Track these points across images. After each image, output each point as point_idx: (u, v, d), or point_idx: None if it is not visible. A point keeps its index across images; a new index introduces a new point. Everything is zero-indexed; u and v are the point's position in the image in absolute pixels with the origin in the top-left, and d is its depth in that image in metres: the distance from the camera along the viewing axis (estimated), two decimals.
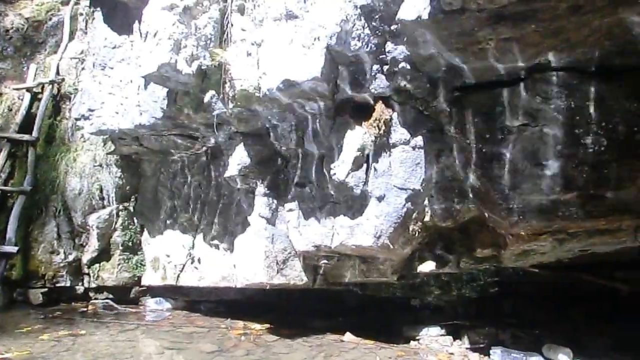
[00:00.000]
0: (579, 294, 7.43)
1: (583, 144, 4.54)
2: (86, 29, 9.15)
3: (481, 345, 6.24)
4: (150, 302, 8.34)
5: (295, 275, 6.44)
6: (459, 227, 5.70)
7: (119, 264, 8.28)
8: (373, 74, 5.30)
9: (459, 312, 7.36)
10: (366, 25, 5.09)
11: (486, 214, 5.28)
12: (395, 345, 6.22)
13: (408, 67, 5.12)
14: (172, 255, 7.87)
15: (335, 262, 6.34)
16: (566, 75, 4.54)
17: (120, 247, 8.33)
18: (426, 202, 5.62)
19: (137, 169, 8.46)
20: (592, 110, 4.50)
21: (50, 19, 9.42)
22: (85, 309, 7.86)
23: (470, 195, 5.35)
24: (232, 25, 5.98)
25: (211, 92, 6.14)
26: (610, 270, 7.11)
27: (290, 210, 6.26)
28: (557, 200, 4.72)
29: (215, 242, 7.36)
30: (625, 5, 3.90)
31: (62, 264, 8.16)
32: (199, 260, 7.58)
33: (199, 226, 7.64)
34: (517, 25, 4.22)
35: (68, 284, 8.17)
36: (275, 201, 6.35)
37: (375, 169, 5.54)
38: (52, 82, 8.91)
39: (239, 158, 6.39)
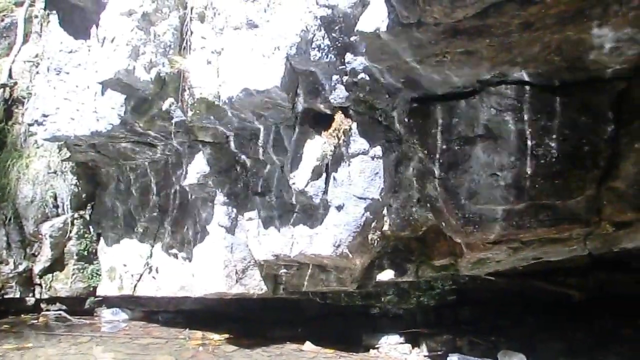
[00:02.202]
0: (533, 300, 7.56)
1: (535, 155, 4.67)
2: (41, 32, 8.95)
3: (439, 353, 6.32)
4: (106, 313, 8.19)
5: (255, 285, 6.44)
6: (417, 236, 5.78)
7: (73, 274, 8.12)
8: (333, 84, 5.35)
9: (417, 320, 7.43)
10: (326, 36, 5.14)
11: (443, 224, 5.35)
12: (354, 353, 6.27)
13: (367, 78, 5.19)
14: (129, 264, 7.76)
15: (295, 271, 6.36)
16: (519, 88, 4.66)
17: (75, 257, 8.17)
18: (385, 211, 5.69)
19: (94, 176, 8.34)
20: (543, 122, 4.62)
21: (2, 20, 9.19)
22: (35, 321, 7.69)
23: (428, 205, 5.43)
24: (191, 33, 5.98)
25: (170, 100, 6.10)
26: (562, 277, 7.28)
27: (250, 219, 6.26)
28: (511, 210, 4.83)
29: (174, 251, 7.29)
30: (572, 24, 4.03)
31: (11, 275, 7.95)
32: (156, 270, 7.50)
33: (157, 235, 7.58)
34: (472, 39, 4.31)
35: (17, 295, 7.97)
36: (234, 210, 6.34)
37: (334, 179, 5.59)
38: (3, 86, 8.71)
39: (198, 166, 6.37)
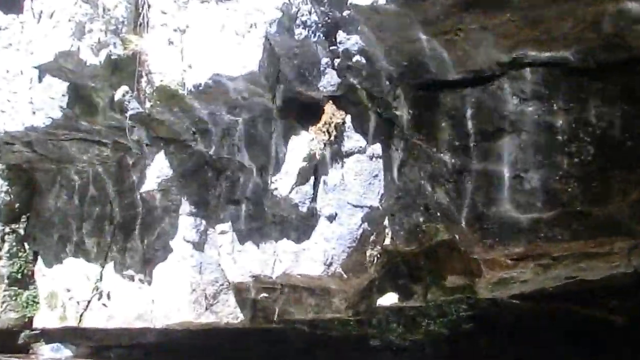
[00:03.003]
0: (566, 328, 7.56)
1: (567, 153, 4.67)
2: None
3: None
4: (45, 350, 8.13)
5: (229, 312, 6.44)
6: (425, 251, 5.80)
7: (3, 302, 8.03)
8: (322, 68, 5.37)
9: (427, 354, 7.48)
10: (313, 10, 5.16)
11: (456, 236, 5.35)
12: None
13: (363, 61, 5.18)
14: (74, 289, 7.71)
15: (278, 295, 6.35)
16: (547, 72, 4.66)
17: (6, 281, 8.07)
18: (386, 221, 5.71)
19: (30, 181, 8.28)
20: (577, 113, 4.63)
21: None
22: None
23: (438, 214, 5.41)
24: (149, 6, 5.98)
25: (124, 88, 6.08)
26: (602, 300, 7.28)
27: (223, 232, 6.27)
28: (539, 218, 4.82)
29: (130, 272, 7.27)
30: None
31: None
32: (108, 295, 7.46)
33: (109, 253, 7.53)
34: (489, 13, 4.31)
35: None
36: (203, 222, 6.36)
37: (325, 183, 5.63)
38: None
39: (158, 169, 6.36)
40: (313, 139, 5.54)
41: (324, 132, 5.50)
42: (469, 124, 4.98)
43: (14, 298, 8.14)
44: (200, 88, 5.50)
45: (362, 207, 5.58)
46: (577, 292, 6.81)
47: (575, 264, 5.33)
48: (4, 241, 8.15)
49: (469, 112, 4.97)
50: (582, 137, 4.64)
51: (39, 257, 8.26)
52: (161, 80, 5.71)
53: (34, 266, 8.30)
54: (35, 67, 6.14)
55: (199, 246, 6.36)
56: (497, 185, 4.90)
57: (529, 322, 7.51)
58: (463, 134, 5.00)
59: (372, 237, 5.71)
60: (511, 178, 4.85)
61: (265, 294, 6.38)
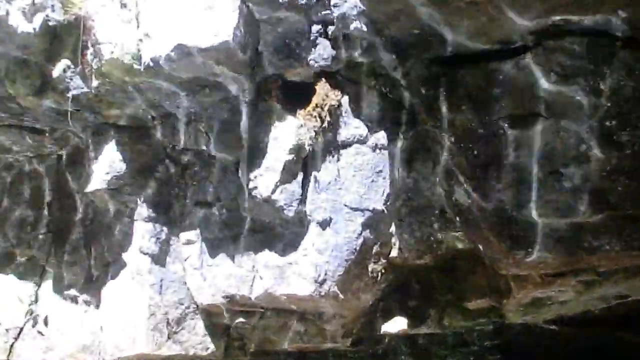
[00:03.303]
0: (614, 356, 7.60)
1: (617, 143, 4.68)
2: None
3: None
4: None
5: (197, 342, 6.40)
6: (441, 265, 5.83)
7: None
8: (312, 38, 5.36)
9: None
10: None
11: (480, 246, 5.38)
12: None
13: (364, 28, 5.20)
14: (2, 313, 7.63)
15: (258, 320, 6.33)
16: (593, 42, 4.67)
17: None
18: (393, 228, 5.74)
19: None
20: (629, 93, 4.63)
21: None
22: None
23: (457, 219, 5.45)
24: None
25: (64, 62, 6.01)
26: None
27: (189, 242, 6.24)
28: (581, 224, 4.86)
29: (72, 292, 7.17)
30: None
31: None
32: (45, 321, 7.37)
33: (45, 268, 7.44)
34: None
35: None
36: (164, 229, 6.33)
37: (316, 180, 5.63)
38: None
39: (108, 163, 6.30)
40: (301, 125, 5.52)
41: (314, 117, 5.48)
42: (496, 107, 5.00)
43: None
44: (161, 62, 5.42)
45: (362, 210, 5.59)
46: (628, 315, 6.83)
47: (627, 281, 5.34)
48: None
49: (494, 93, 4.99)
50: (636, 124, 4.65)
51: None
52: (111, 52, 5.63)
53: None
54: None
55: (159, 259, 6.31)
56: (530, 183, 4.93)
57: (569, 352, 7.54)
58: (488, 119, 5.03)
59: (376, 248, 5.73)
60: (547, 174, 4.88)
61: (242, 319, 6.34)
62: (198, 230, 6.23)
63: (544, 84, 4.84)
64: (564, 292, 5.47)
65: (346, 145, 5.61)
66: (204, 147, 6.11)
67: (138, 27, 5.63)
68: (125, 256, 6.55)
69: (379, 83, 5.52)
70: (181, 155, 6.32)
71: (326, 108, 5.50)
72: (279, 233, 5.84)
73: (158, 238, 6.33)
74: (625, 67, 4.62)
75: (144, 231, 6.34)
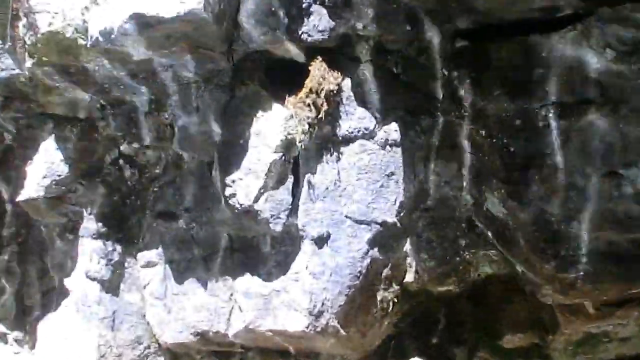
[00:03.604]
0: None
1: None
2: None
3: None
4: None
5: None
6: (469, 293, 5.82)
7: None
8: (305, 5, 5.33)
9: None
10: None
11: (518, 268, 5.38)
12: None
13: None
14: None
15: None
16: None
17: None
18: (408, 246, 5.70)
19: None
20: None
21: None
22: None
23: (489, 233, 5.44)
24: None
25: None
26: None
27: (149, 264, 6.24)
28: None
29: (0, 328, 7.22)
30: None
31: None
32: None
33: None
34: None
35: None
36: (118, 247, 6.33)
37: (311, 186, 5.60)
38: None
39: (46, 165, 6.32)
40: (291, 116, 5.49)
41: (308, 105, 5.44)
42: (537, 93, 5.00)
43: None
44: (113, 36, 5.38)
45: (369, 223, 5.55)
46: None
47: None
48: None
49: (535, 74, 4.99)
50: None
51: None
52: (50, 24, 5.59)
53: None
54: None
55: (111, 286, 6.29)
56: (581, 189, 4.93)
57: None
58: (527, 108, 5.04)
59: (386, 271, 5.68)
60: (603, 176, 4.89)
61: None
62: (161, 249, 6.22)
63: (598, 63, 4.83)
64: (625, 327, 5.45)
65: (348, 140, 5.57)
66: (167, 144, 6.11)
67: None
68: (68, 282, 6.52)
69: (390, 62, 5.49)
70: (139, 154, 6.30)
71: (323, 94, 5.45)
72: (264, 252, 5.83)
73: (110, 259, 6.32)
74: None
75: (91, 250, 6.32)
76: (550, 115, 4.98)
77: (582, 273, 5.02)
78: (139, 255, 6.30)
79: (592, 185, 4.90)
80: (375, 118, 5.53)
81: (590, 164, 4.90)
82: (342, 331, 5.68)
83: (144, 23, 5.29)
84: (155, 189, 6.27)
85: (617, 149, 4.82)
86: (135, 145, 6.23)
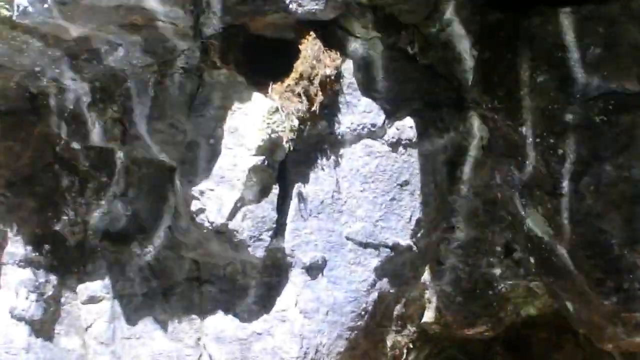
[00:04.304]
0: None
1: None
2: None
3: None
4: None
5: None
6: (507, 337, 5.73)
7: None
8: None
9: None
10: None
11: (570, 305, 5.23)
12: None
13: None
14: None
15: None
16: None
17: None
18: (427, 276, 5.60)
19: None
20: None
21: None
22: None
23: (532, 260, 5.32)
24: None
25: None
26: None
27: (93, 299, 6.03)
28: None
29: None
30: None
31: None
32: None
33: None
34: None
35: None
36: (52, 278, 6.12)
37: (301, 198, 5.41)
38: None
39: None
40: (277, 109, 5.23)
41: (298, 95, 5.23)
42: (590, 78, 4.91)
43: None
44: (47, 5, 5.09)
45: (377, 246, 5.39)
46: None
47: None
48: None
49: (593, 52, 4.88)
50: None
51: None
52: None
53: None
54: None
55: (42, 328, 6.07)
56: None
57: None
58: (580, 98, 4.92)
59: (399, 308, 5.57)
60: None
61: None
62: (107, 281, 6.02)
63: None
64: None
65: (350, 140, 5.41)
66: (118, 145, 5.88)
67: None
68: None
69: (403, 39, 5.35)
70: (80, 157, 6.07)
71: (317, 80, 5.26)
72: (241, 285, 5.64)
73: (41, 294, 6.11)
74: None
75: (18, 282, 6.14)
76: (610, 107, 4.87)
77: None
78: (80, 288, 6.09)
79: None
80: (385, 111, 5.39)
81: None
82: None
83: None
84: (101, 203, 6.06)
85: None
86: (76, 145, 6.01)
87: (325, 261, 5.43)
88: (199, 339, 5.75)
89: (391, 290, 5.49)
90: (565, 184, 4.98)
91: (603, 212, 4.90)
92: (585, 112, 4.90)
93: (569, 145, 4.96)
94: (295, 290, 5.47)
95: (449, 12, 5.27)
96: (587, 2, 4.87)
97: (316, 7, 5.15)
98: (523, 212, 5.26)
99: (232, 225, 5.35)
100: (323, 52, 5.26)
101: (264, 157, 5.29)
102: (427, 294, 5.66)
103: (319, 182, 5.41)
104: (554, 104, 4.98)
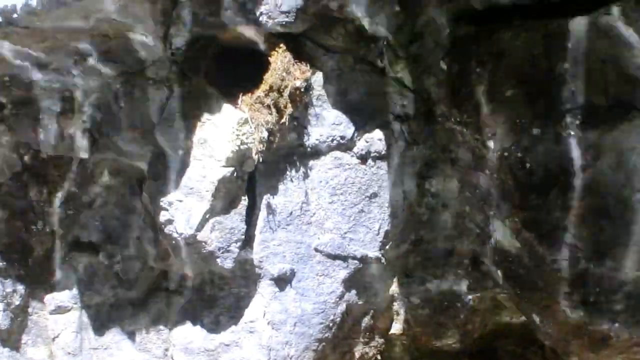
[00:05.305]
0: None
1: None
2: None
3: None
4: None
5: None
6: (475, 349, 5.74)
7: None
8: None
9: None
10: None
11: (535, 317, 5.27)
12: None
13: None
14: None
15: None
16: None
17: None
18: (394, 287, 5.61)
19: None
20: None
21: None
22: None
23: (499, 272, 5.35)
24: None
25: None
26: None
27: (60, 310, 6.00)
28: None
29: None
30: None
31: None
32: None
33: None
34: None
35: None
36: (19, 288, 6.09)
37: (270, 210, 5.44)
38: None
39: None
40: (246, 120, 5.26)
41: (267, 106, 5.27)
42: (562, 93, 4.92)
43: None
44: (15, 16, 5.11)
45: (345, 258, 5.43)
46: None
47: None
48: None
49: (559, 69, 4.91)
50: None
51: None
52: None
53: None
54: None
55: (9, 338, 6.05)
56: (619, 216, 4.84)
57: None
58: (549, 112, 4.96)
59: (367, 320, 5.57)
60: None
61: None
62: (75, 291, 6.01)
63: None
64: None
65: (319, 152, 5.46)
66: (86, 155, 5.87)
67: None
68: None
69: (373, 52, 5.36)
70: (49, 166, 6.04)
71: (286, 92, 5.30)
72: (210, 296, 5.66)
73: (8, 303, 6.09)
74: None
75: None
76: (577, 122, 4.88)
77: (617, 325, 4.94)
78: (47, 298, 6.07)
79: (634, 211, 4.82)
80: (354, 124, 5.43)
81: (632, 184, 4.81)
82: None
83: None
84: (69, 212, 6.05)
85: None
86: (44, 156, 6.00)
87: (293, 273, 5.47)
88: (167, 349, 5.77)
89: (359, 302, 5.52)
90: (532, 197, 5.00)
91: (570, 226, 4.92)
92: (553, 127, 4.91)
93: (537, 158, 4.97)
94: (264, 301, 5.50)
95: (419, 26, 5.29)
96: (555, 17, 4.88)
97: (286, 19, 5.17)
98: (491, 225, 5.29)
99: (200, 236, 5.37)
100: (293, 64, 5.29)
101: (233, 168, 5.32)
102: (395, 305, 5.67)
103: (288, 194, 5.45)
104: (522, 118, 5.00)
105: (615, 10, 4.76)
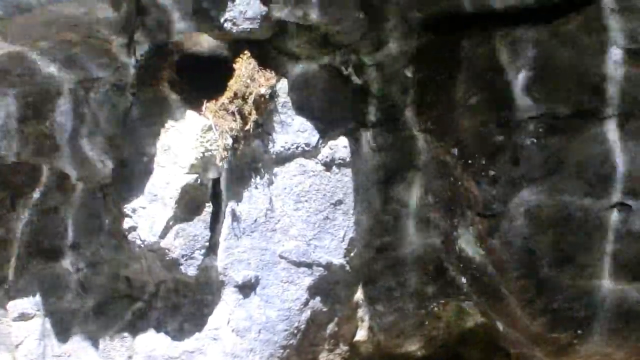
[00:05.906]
0: None
1: None
2: None
3: None
4: None
5: None
6: (440, 355, 5.74)
7: None
8: None
9: None
10: None
11: (499, 324, 5.31)
12: None
13: None
14: None
15: None
16: None
17: None
18: (359, 294, 5.61)
19: None
20: None
21: None
22: None
23: (464, 280, 5.37)
24: None
25: None
26: None
27: (23, 317, 5.97)
28: None
29: None
30: None
31: None
32: None
33: None
34: None
35: None
36: None
37: (234, 217, 5.43)
38: None
39: None
40: (210, 127, 5.27)
41: (232, 113, 5.28)
42: (522, 100, 4.97)
43: None
44: None
45: (310, 265, 5.44)
46: None
47: None
48: None
49: (521, 77, 4.95)
50: None
51: None
52: None
53: None
54: None
55: None
56: (582, 222, 4.88)
57: None
58: (510, 120, 5.00)
59: (331, 327, 5.59)
60: (605, 209, 4.85)
61: None
62: (38, 298, 5.97)
63: (602, 64, 4.82)
64: None
65: (284, 159, 5.46)
66: (50, 161, 5.84)
67: None
68: None
69: (338, 59, 5.40)
70: (12, 172, 6.01)
71: (251, 99, 5.31)
72: (174, 303, 5.65)
73: None
74: None
75: None
76: (541, 130, 4.93)
77: (580, 332, 4.97)
78: (10, 305, 6.03)
79: (594, 218, 4.86)
80: (319, 131, 5.45)
81: (591, 191, 4.87)
82: None
83: (17, 5, 5.01)
84: (32, 218, 6.01)
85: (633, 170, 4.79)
86: (7, 160, 5.94)
87: (258, 280, 5.47)
88: (130, 357, 5.75)
89: (324, 309, 5.53)
90: (496, 205, 4.99)
91: (533, 234, 4.94)
92: (517, 134, 4.94)
93: (500, 166, 4.98)
94: (228, 308, 5.49)
95: (384, 33, 5.31)
96: (519, 25, 4.90)
97: (251, 26, 5.21)
98: (455, 232, 5.29)
99: (164, 243, 5.37)
100: (258, 71, 5.30)
101: (197, 175, 5.32)
102: (360, 312, 5.66)
103: (253, 201, 5.45)
104: (486, 125, 5.01)
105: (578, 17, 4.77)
